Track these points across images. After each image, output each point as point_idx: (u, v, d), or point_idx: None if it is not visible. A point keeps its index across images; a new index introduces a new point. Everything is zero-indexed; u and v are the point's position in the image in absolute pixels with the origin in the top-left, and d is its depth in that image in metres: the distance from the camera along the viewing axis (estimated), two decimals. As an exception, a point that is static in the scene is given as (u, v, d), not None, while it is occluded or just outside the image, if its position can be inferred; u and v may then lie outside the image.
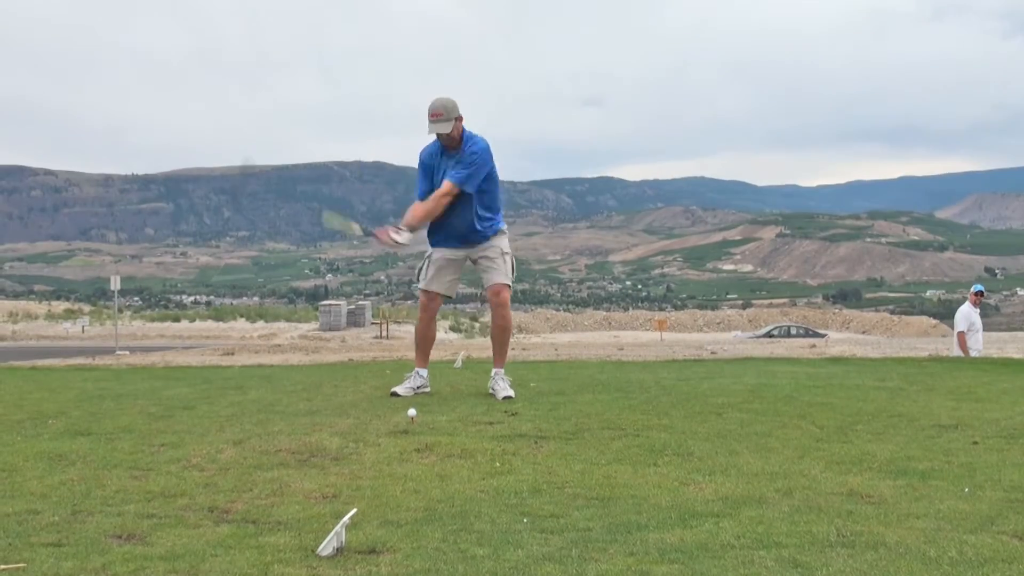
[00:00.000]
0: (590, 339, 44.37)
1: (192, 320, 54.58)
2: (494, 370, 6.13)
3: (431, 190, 6.08)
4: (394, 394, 6.07)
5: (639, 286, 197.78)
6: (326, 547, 2.80)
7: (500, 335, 6.29)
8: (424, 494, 3.52)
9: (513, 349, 19.22)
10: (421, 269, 6.34)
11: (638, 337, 46.46)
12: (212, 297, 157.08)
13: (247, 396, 6.37)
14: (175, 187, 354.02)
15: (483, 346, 15.00)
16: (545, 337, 47.33)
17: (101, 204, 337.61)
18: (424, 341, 6.35)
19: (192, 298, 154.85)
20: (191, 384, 7.27)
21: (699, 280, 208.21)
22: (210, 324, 52.11)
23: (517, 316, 59.68)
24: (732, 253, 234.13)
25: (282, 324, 51.93)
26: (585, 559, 2.76)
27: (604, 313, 73.32)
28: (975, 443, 4.43)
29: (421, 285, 6.30)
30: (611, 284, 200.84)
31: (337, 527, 2.85)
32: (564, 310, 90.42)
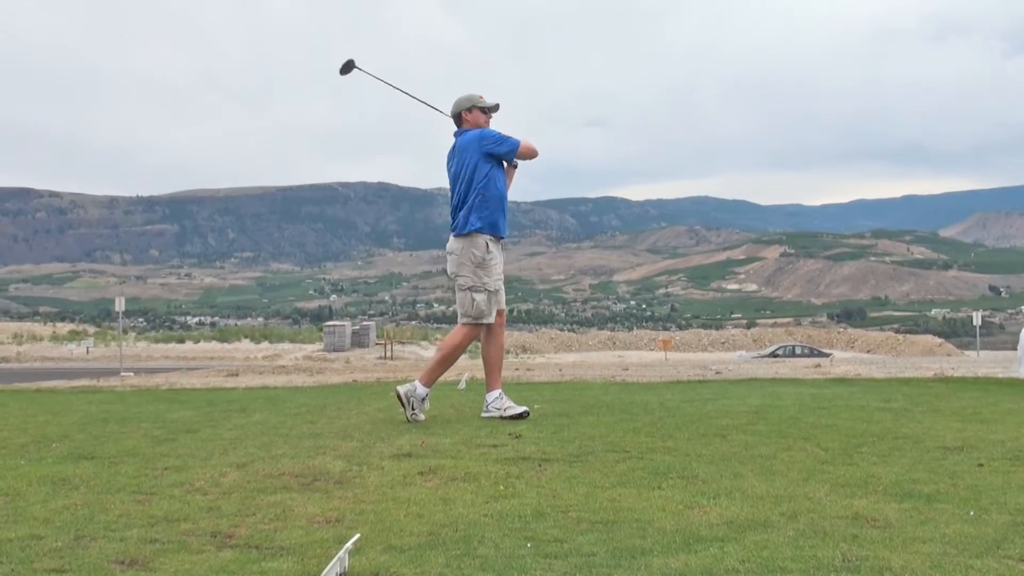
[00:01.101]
0: (594, 359, 44.33)
1: (196, 341, 54.65)
2: (498, 391, 6.10)
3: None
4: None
5: (643, 306, 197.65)
6: (328, 573, 2.79)
7: (501, 355, 6.27)
8: (428, 518, 3.51)
9: (517, 370, 19.20)
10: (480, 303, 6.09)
11: (643, 357, 46.41)
12: (216, 318, 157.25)
13: (251, 419, 6.36)
14: (180, 208, 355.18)
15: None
16: (549, 357, 47.29)
17: (106, 226, 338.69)
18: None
19: (196, 319, 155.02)
20: (195, 407, 7.27)
21: (703, 300, 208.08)
22: (214, 345, 52.17)
23: (522, 336, 59.61)
24: (736, 272, 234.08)
25: (286, 345, 51.97)
26: (589, 584, 2.74)
27: (608, 333, 73.24)
28: (981, 465, 4.41)
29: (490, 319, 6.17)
30: (615, 304, 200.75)
31: (340, 553, 2.84)
32: (568, 330, 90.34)
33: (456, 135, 6.19)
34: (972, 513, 3.50)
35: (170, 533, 3.37)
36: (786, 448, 4.84)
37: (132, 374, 25.04)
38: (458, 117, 6.19)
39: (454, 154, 6.12)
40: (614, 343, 61.93)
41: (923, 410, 6.47)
